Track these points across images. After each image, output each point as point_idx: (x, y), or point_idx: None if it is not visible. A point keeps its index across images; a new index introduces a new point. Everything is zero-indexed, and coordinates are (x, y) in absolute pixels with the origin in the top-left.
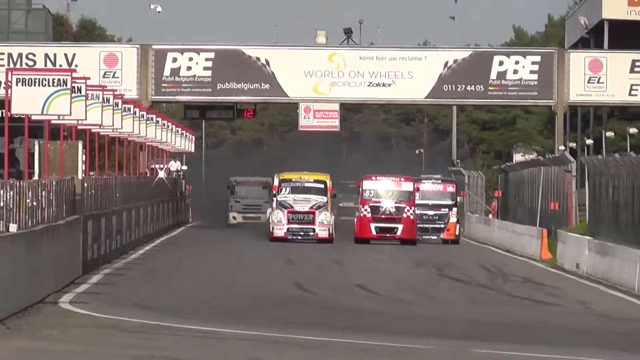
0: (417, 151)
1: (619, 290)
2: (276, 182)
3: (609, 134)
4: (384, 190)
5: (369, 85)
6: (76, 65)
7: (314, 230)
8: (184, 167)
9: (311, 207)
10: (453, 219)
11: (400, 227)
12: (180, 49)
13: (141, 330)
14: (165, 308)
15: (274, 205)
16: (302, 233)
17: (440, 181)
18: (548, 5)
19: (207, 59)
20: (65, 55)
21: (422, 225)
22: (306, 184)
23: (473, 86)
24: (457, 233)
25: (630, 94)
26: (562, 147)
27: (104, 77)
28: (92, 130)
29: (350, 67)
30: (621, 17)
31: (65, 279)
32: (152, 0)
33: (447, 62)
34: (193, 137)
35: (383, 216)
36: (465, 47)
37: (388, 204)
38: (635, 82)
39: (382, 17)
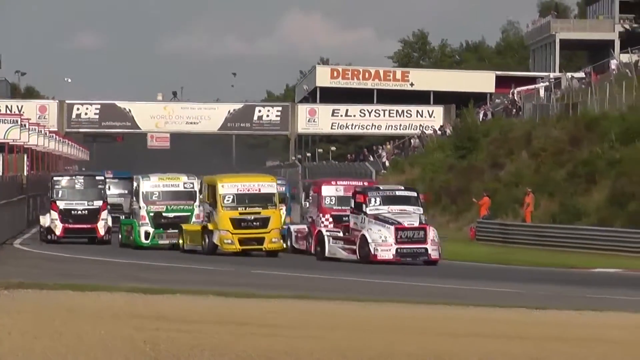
0: (213, 160)
1: None
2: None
3: (320, 150)
4: (346, 196)
5: (186, 124)
6: (23, 112)
7: (425, 250)
8: (83, 169)
9: (420, 222)
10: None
11: None
12: (81, 102)
13: (63, 260)
14: (78, 247)
15: (362, 218)
16: (413, 254)
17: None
18: (287, 78)
19: (96, 108)
20: (17, 106)
21: None
22: (398, 193)
23: (244, 123)
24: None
25: (331, 128)
26: (293, 158)
27: (38, 118)
28: (32, 148)
29: (176, 113)
30: (327, 85)
31: (16, 230)
32: (66, 75)
33: (229, 110)
34: (88, 152)
35: (347, 225)
36: (239, 102)
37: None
38: (334, 121)
39: (194, 84)
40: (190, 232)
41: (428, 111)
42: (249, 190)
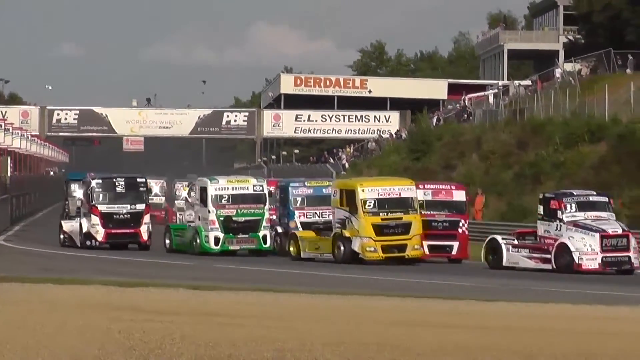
0: (184, 163)
1: None
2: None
3: (284, 153)
4: (434, 200)
5: (159, 128)
6: (6, 117)
7: (629, 258)
8: (63, 170)
9: (623, 230)
10: None
11: (455, 244)
12: (61, 108)
13: (42, 255)
14: (54, 243)
15: (558, 226)
16: (617, 262)
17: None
18: (253, 86)
19: (75, 114)
20: (1, 112)
21: None
22: (591, 198)
23: (213, 128)
24: None
25: (294, 132)
26: (259, 160)
27: (21, 123)
28: (15, 151)
29: (150, 119)
30: (291, 92)
31: (0, 228)
32: (47, 83)
33: (200, 115)
34: (67, 154)
35: (436, 232)
36: (209, 108)
37: (441, 218)
38: (298, 126)
39: (167, 91)
40: (309, 239)
41: (385, 116)
42: (389, 194)
